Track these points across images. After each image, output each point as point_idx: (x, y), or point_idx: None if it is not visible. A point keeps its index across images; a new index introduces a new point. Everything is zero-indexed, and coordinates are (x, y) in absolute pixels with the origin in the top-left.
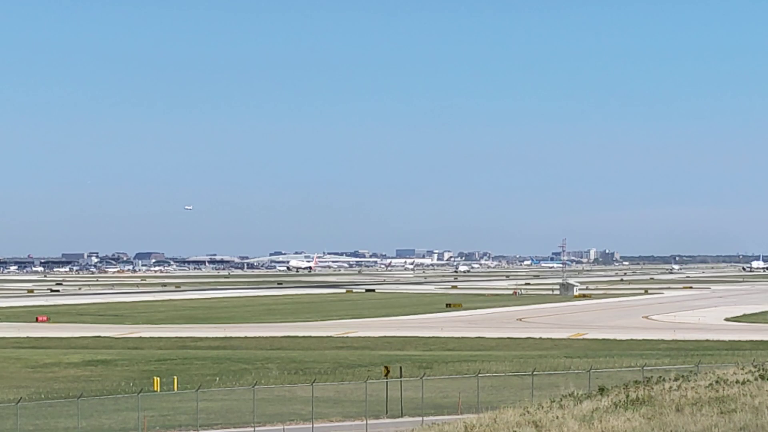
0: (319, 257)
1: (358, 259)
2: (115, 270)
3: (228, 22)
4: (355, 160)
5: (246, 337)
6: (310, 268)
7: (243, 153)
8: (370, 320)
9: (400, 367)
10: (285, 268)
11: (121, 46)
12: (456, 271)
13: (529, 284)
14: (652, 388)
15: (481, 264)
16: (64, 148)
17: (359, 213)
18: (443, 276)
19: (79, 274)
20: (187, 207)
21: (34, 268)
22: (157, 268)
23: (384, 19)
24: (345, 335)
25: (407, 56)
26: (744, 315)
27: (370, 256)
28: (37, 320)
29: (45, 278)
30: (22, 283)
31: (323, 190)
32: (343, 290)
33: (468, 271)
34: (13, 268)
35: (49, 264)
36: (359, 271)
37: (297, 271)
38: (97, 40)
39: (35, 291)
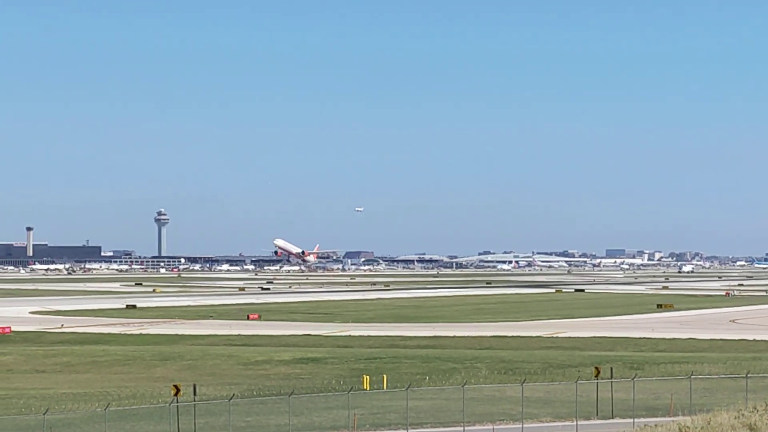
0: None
1: (567, 259)
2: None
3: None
4: (565, 159)
5: (455, 337)
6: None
7: (452, 152)
8: (580, 320)
9: (611, 368)
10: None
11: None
12: (680, 272)
13: (742, 285)
14: None
15: (694, 264)
16: (269, 150)
17: (569, 213)
18: (654, 276)
19: (289, 272)
20: (357, 209)
21: (245, 267)
22: (366, 267)
23: (590, 17)
24: (554, 335)
25: (617, 57)
26: None
27: (580, 256)
28: (248, 318)
29: (256, 276)
30: (233, 281)
31: (533, 190)
32: (553, 290)
33: (692, 272)
34: (225, 266)
35: (260, 262)
36: (568, 271)
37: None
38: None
39: (246, 289)
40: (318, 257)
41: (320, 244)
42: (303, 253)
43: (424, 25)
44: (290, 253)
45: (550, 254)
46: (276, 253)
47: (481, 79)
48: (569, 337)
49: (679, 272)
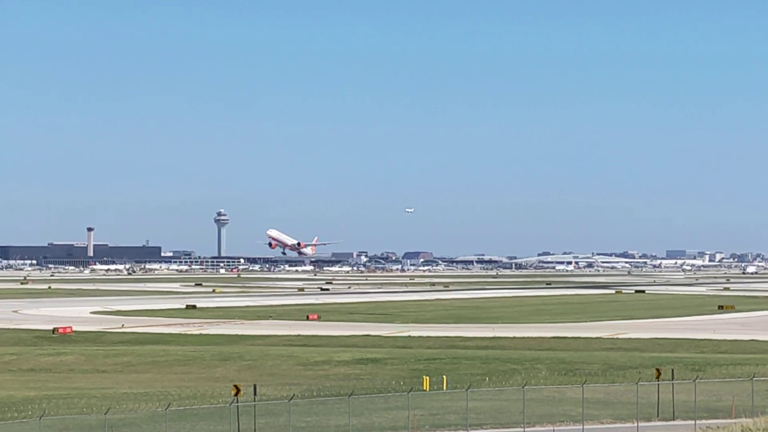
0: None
1: (627, 260)
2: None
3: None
4: (625, 159)
5: (515, 337)
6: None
7: (511, 151)
8: (640, 321)
9: (672, 370)
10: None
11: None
12: (743, 273)
13: None
14: None
15: (757, 266)
16: (329, 150)
17: (629, 213)
18: (715, 277)
19: (348, 273)
20: (408, 210)
21: (304, 267)
22: (425, 268)
23: (653, 14)
24: (614, 336)
25: (675, 57)
26: None
27: (640, 257)
28: (308, 318)
29: (315, 277)
30: (293, 282)
31: (593, 190)
32: (613, 291)
33: (756, 273)
34: (284, 266)
35: (319, 263)
36: (629, 272)
37: None
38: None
39: (306, 289)
40: (316, 250)
41: (368, 244)
42: (299, 244)
43: (476, 24)
44: (285, 244)
45: (610, 255)
46: (270, 244)
47: (539, 77)
48: (630, 339)
49: (743, 273)
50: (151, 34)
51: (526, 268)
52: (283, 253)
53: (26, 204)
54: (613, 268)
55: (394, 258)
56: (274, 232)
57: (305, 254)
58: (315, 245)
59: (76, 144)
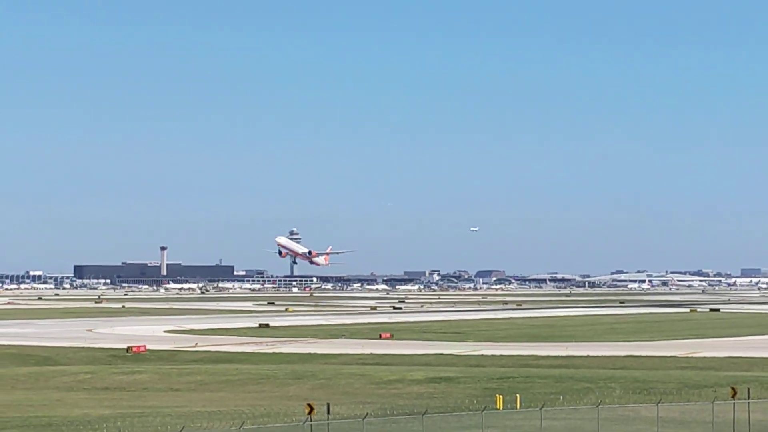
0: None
1: (701, 279)
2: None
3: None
4: (699, 177)
5: (588, 356)
6: None
7: (584, 170)
8: (715, 340)
9: (748, 389)
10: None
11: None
12: None
13: None
14: None
15: None
16: (400, 169)
17: (703, 231)
18: None
19: (421, 291)
20: (472, 228)
21: (376, 286)
22: (497, 286)
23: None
24: (689, 355)
25: (745, 74)
26: None
27: (714, 275)
28: (380, 337)
29: (388, 296)
30: (365, 300)
31: (666, 208)
32: (687, 309)
33: None
34: (357, 285)
35: (391, 281)
36: (703, 290)
37: None
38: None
39: (378, 308)
40: (329, 259)
41: (441, 263)
42: (310, 253)
43: (550, 45)
44: (296, 253)
45: (684, 273)
46: (280, 253)
47: (610, 96)
48: (704, 357)
49: None
50: (223, 54)
51: (600, 287)
52: (294, 263)
53: (100, 224)
54: (690, 286)
55: (466, 276)
56: (283, 240)
57: (317, 264)
58: (328, 254)
59: (150, 164)
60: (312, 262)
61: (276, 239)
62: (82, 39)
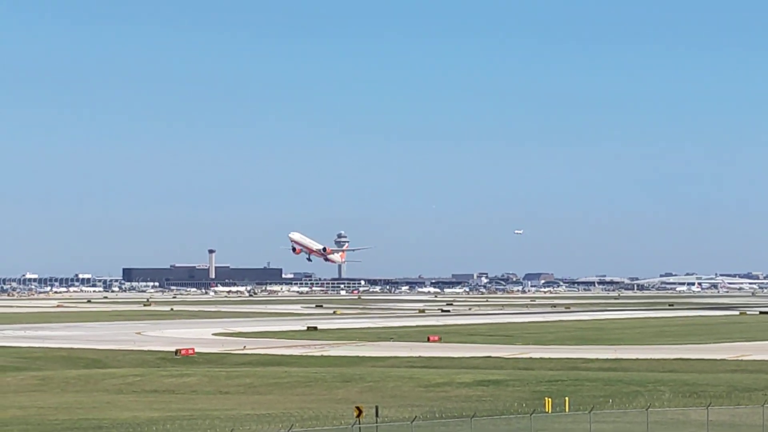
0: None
1: (751, 281)
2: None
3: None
4: (747, 179)
5: (637, 359)
6: None
7: (633, 172)
8: (765, 343)
9: None
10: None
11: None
12: None
13: None
14: None
15: None
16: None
17: (753, 234)
18: None
19: (469, 294)
20: (516, 231)
21: (425, 289)
22: (546, 289)
23: None
24: (739, 358)
25: None
26: None
27: (765, 278)
28: (428, 340)
29: (436, 298)
30: (413, 303)
31: (715, 211)
32: (737, 312)
33: None
34: (405, 288)
35: (439, 284)
36: (753, 293)
37: None
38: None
39: (426, 311)
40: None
41: (489, 265)
42: (325, 249)
43: (601, 47)
44: (310, 250)
45: (734, 276)
46: (294, 249)
47: (657, 99)
48: (754, 360)
49: None
50: (272, 60)
51: (649, 290)
52: (309, 260)
53: (149, 227)
54: (740, 289)
55: (514, 279)
56: (296, 236)
57: (333, 261)
58: (344, 251)
59: (198, 166)
60: (327, 259)
61: (289, 235)
62: (140, 46)
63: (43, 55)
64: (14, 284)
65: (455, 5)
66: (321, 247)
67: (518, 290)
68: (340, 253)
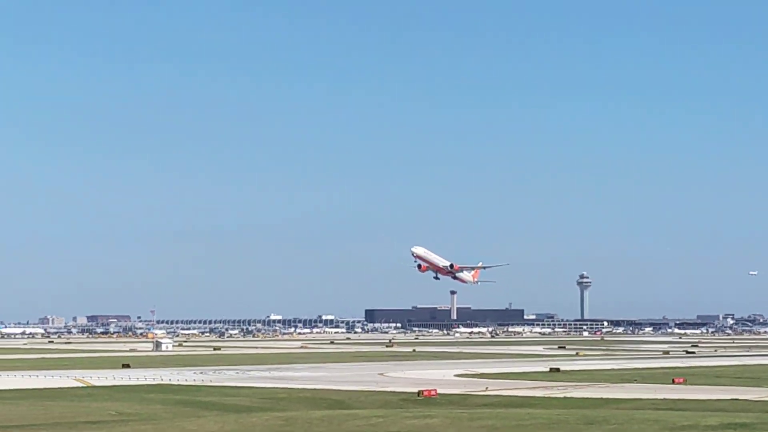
0: None
1: None
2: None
3: None
4: None
5: None
6: None
7: None
8: None
9: None
10: None
11: None
12: None
13: None
14: None
15: None
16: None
17: None
18: None
19: (714, 335)
20: (751, 273)
21: (669, 330)
22: None
23: None
24: None
25: None
26: None
27: None
28: (673, 382)
29: (680, 339)
30: (657, 345)
31: None
32: None
33: None
34: (648, 329)
35: (683, 325)
36: None
37: None
38: None
39: (671, 352)
40: (479, 275)
41: (735, 306)
42: (452, 266)
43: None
44: (436, 267)
45: None
46: (419, 266)
47: None
48: None
49: None
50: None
51: None
52: (436, 278)
53: (391, 269)
54: None
55: (761, 320)
56: (420, 250)
57: (463, 280)
58: (478, 269)
59: (426, 210)
60: (455, 278)
61: (411, 249)
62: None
63: None
64: (259, 325)
65: None
66: (448, 263)
67: (765, 331)
68: (473, 272)
